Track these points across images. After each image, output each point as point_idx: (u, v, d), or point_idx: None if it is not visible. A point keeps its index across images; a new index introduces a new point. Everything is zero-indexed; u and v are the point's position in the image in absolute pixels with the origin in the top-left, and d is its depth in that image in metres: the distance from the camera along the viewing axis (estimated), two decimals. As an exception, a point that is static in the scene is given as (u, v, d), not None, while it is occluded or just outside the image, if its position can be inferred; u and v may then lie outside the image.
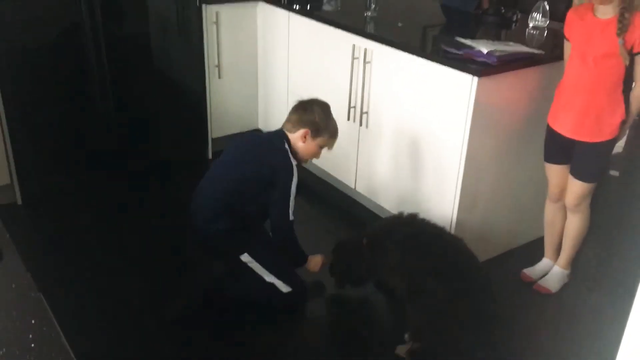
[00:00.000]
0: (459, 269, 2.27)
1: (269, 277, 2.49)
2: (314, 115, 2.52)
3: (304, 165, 2.82)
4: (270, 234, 2.56)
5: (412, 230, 2.39)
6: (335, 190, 3.47)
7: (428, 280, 2.21)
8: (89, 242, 2.96)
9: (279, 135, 2.54)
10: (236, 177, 2.49)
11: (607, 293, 2.70)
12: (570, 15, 2.43)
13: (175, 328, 2.44)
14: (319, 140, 2.55)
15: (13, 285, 1.20)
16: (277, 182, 2.44)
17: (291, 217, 2.46)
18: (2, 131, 3.03)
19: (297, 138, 2.53)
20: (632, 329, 1.03)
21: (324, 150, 2.65)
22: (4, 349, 1.02)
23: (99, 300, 2.56)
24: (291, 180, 2.43)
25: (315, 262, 2.63)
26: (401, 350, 2.34)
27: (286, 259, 2.58)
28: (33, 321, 1.09)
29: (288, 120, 2.58)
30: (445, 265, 2.25)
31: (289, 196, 2.43)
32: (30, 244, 2.89)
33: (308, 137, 2.52)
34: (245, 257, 2.47)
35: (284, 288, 2.51)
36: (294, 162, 2.48)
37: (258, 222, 2.62)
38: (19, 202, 3.21)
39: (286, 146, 2.50)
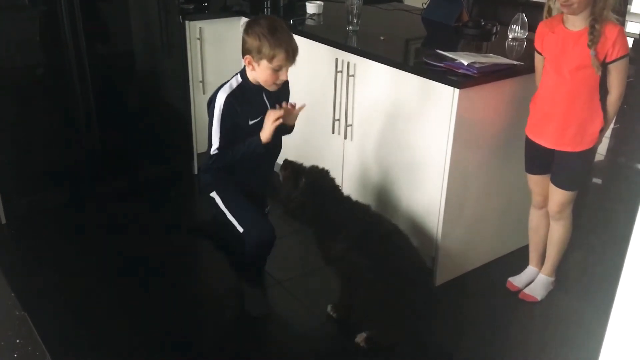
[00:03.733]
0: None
1: (229, 216, 2.54)
2: (249, 37, 2.29)
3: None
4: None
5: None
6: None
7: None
8: (73, 261, 2.94)
9: (240, 70, 2.47)
10: None
11: (592, 300, 2.72)
12: (541, 28, 2.46)
13: (165, 341, 2.43)
14: (264, 62, 2.29)
15: (-3, 305, 1.19)
16: None
17: (214, 150, 2.40)
18: (-15, 150, 3.02)
19: (247, 67, 2.37)
20: (611, 336, 1.05)
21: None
22: (-11, 369, 1.01)
23: (84, 319, 2.54)
24: (212, 111, 2.38)
25: (267, 127, 2.37)
26: (360, 338, 2.43)
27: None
28: (18, 340, 1.08)
29: None
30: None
31: (211, 126, 2.39)
32: (14, 263, 2.86)
33: (252, 63, 2.33)
34: (213, 194, 2.54)
35: (239, 228, 2.52)
36: (223, 95, 2.36)
37: (245, 167, 2.55)
38: (3, 221, 3.19)
39: (234, 80, 2.42)
